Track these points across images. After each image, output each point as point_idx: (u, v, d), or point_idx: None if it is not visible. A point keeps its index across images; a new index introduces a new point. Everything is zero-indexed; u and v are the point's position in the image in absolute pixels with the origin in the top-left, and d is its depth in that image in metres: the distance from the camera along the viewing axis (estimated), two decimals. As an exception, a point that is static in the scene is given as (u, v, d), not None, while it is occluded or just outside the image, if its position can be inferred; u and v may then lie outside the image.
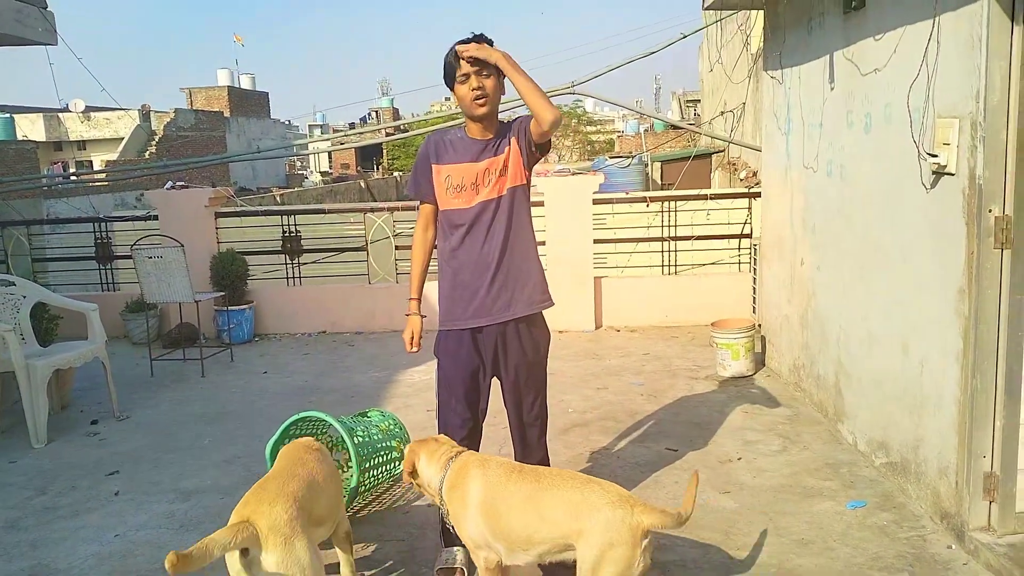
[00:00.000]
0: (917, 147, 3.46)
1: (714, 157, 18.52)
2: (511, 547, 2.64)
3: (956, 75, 3.18)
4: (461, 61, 2.94)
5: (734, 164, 14.61)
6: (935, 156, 3.27)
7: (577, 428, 4.88)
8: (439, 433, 3.17)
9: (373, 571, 3.32)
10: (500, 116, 3.17)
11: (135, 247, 6.36)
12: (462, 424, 3.19)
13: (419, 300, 3.26)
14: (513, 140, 3.06)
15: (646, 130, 30.99)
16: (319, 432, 4.11)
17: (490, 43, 2.98)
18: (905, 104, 3.57)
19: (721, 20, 6.98)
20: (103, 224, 8.19)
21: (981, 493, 3.19)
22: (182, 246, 6.27)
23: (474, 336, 3.13)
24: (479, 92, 2.95)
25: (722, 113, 12.54)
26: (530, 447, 3.32)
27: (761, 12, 5.82)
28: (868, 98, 4.03)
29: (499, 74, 2.97)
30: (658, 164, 19.77)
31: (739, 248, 7.54)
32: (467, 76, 2.94)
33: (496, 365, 3.18)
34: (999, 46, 2.96)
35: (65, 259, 8.36)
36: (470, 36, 2.98)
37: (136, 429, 5.21)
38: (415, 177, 3.20)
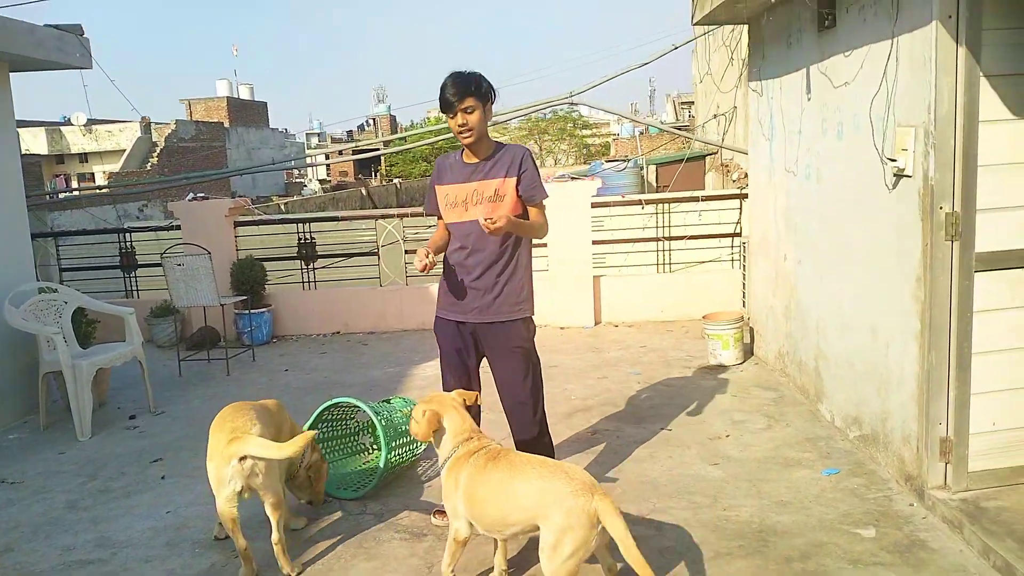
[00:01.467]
0: (879, 153, 3.90)
1: (708, 159, 18.99)
2: (487, 528, 3.06)
3: (912, 88, 3.63)
4: (448, 98, 3.40)
5: (727, 166, 15.05)
6: (894, 160, 3.72)
7: (579, 413, 5.31)
8: None
9: (400, 534, 3.74)
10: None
11: (164, 255, 6.78)
12: (448, 385, 3.70)
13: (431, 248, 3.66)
14: (511, 180, 3.51)
15: (641, 133, 31.49)
16: (348, 417, 4.54)
17: (475, 79, 3.41)
18: (870, 114, 4.01)
19: (708, 34, 7.42)
20: (127, 235, 8.60)
21: (938, 456, 3.62)
22: (209, 253, 6.70)
23: (456, 324, 3.69)
24: (463, 127, 3.44)
25: (715, 116, 12.98)
26: (522, 425, 3.72)
27: (746, 27, 6.26)
28: (840, 108, 4.47)
29: (484, 106, 3.44)
30: (653, 167, 20.28)
31: (731, 246, 7.98)
32: (454, 113, 3.41)
33: (479, 350, 3.70)
34: (946, 64, 3.40)
35: (88, 268, 8.76)
36: (455, 76, 3.41)
37: (172, 422, 5.63)
38: (428, 196, 3.78)
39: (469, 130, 3.44)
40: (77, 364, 5.33)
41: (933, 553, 3.31)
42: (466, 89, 3.39)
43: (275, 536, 3.37)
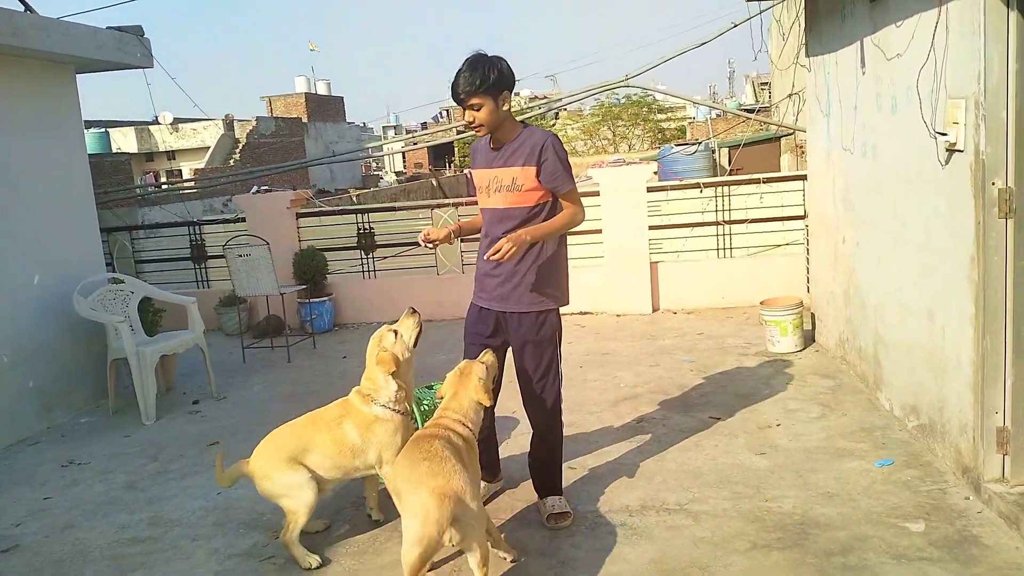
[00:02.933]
0: (929, 127, 3.69)
1: (783, 141, 18.40)
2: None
3: (961, 58, 3.41)
4: (457, 94, 3.35)
5: (801, 147, 14.58)
6: (945, 135, 3.51)
7: (627, 400, 5.23)
8: None
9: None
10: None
11: (227, 247, 7.01)
12: None
13: (453, 228, 3.67)
14: (529, 170, 3.39)
15: (716, 116, 30.75)
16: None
17: (483, 74, 3.28)
18: (918, 86, 3.80)
19: (762, 12, 7.17)
20: (197, 227, 8.93)
21: (995, 447, 3.42)
22: (268, 244, 6.89)
23: (480, 309, 3.68)
24: (471, 124, 3.42)
25: (789, 96, 12.58)
26: (536, 415, 3.66)
27: (802, 1, 6.03)
28: (893, 81, 4.25)
29: (495, 98, 3.33)
30: (726, 150, 19.77)
31: (798, 230, 7.71)
32: (463, 109, 3.38)
33: (502, 336, 3.65)
34: (997, 31, 3.19)
35: (163, 260, 9.14)
36: (464, 71, 3.32)
37: (232, 407, 5.83)
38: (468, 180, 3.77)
39: (479, 125, 3.39)
40: (141, 351, 5.56)
41: (986, 550, 3.12)
42: (471, 87, 3.28)
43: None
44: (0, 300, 5.41)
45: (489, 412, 3.59)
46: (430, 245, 3.62)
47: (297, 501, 3.43)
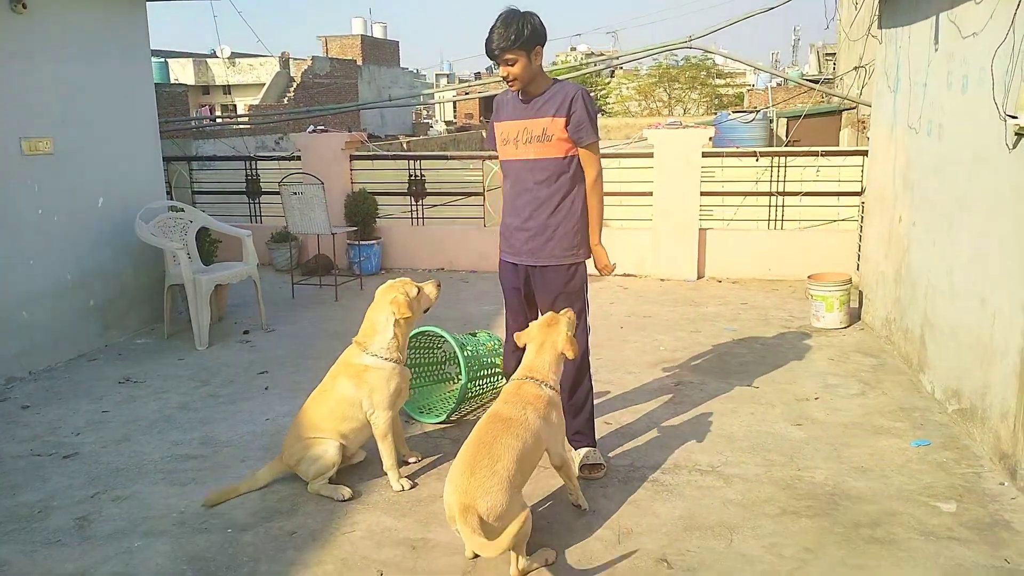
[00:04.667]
0: (999, 109, 3.61)
1: (844, 115, 17.93)
2: None
3: (1043, 39, 3.33)
4: (492, 50, 3.42)
5: (863, 122, 14.19)
6: (1015, 117, 3.44)
7: (666, 363, 5.29)
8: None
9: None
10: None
11: (282, 183, 7.15)
12: (510, 328, 3.81)
13: None
14: (559, 120, 3.47)
15: (779, 85, 30.00)
16: (436, 347, 4.72)
17: (516, 29, 3.36)
18: (992, 65, 3.71)
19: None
20: (253, 163, 9.09)
21: (1035, 435, 3.41)
22: (322, 184, 7.01)
23: (512, 266, 3.76)
24: (507, 78, 3.49)
25: (855, 68, 12.24)
26: (568, 362, 3.66)
27: (880, -31, 5.86)
28: (966, 60, 4.15)
29: (528, 53, 3.41)
30: (784, 120, 19.35)
31: (852, 206, 7.59)
32: (498, 64, 3.45)
33: (531, 289, 3.74)
34: (1084, 12, 3.10)
35: (218, 192, 9.34)
36: (498, 26, 3.39)
37: (280, 339, 6.02)
38: (488, 133, 3.83)
39: (514, 79, 3.47)
40: (197, 279, 5.75)
41: (1016, 534, 3.14)
42: (506, 42, 3.37)
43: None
44: (66, 221, 5.62)
45: None
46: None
47: (321, 464, 3.55)
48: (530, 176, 3.57)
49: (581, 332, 3.68)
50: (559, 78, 3.66)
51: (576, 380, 3.73)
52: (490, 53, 3.45)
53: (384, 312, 3.64)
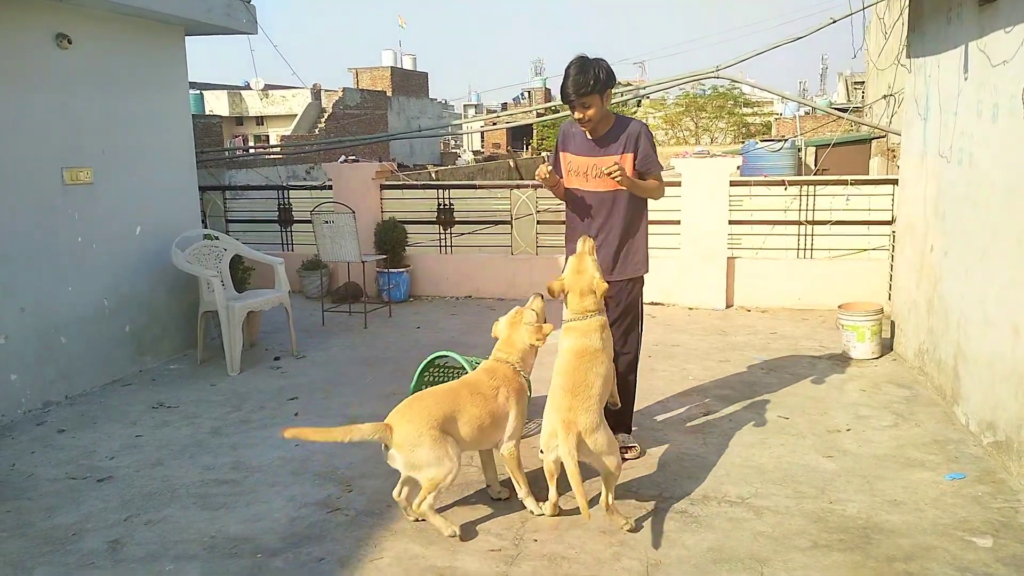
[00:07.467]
0: (1032, 137, 3.59)
1: (874, 143, 17.81)
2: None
3: (1075, 69, 3.31)
4: (569, 94, 3.76)
5: (893, 151, 14.09)
6: (1049, 146, 3.41)
7: (695, 392, 5.26)
8: None
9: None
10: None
11: (314, 212, 7.26)
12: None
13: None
14: (628, 156, 3.92)
15: (805, 113, 29.91)
16: (453, 375, 4.74)
17: (592, 75, 3.71)
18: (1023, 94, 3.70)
19: (865, 8, 6.98)
20: (285, 192, 9.25)
21: (1074, 469, 3.34)
22: (353, 213, 7.11)
23: None
24: (582, 120, 3.86)
25: (884, 97, 12.19)
26: (620, 358, 4.06)
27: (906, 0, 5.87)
28: (997, 88, 4.13)
29: (602, 96, 3.74)
30: (812, 149, 19.26)
31: (883, 235, 7.53)
32: (574, 108, 3.78)
33: None
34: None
35: (251, 221, 9.49)
36: (575, 71, 3.75)
37: (311, 366, 6.08)
38: (553, 156, 4.18)
39: (588, 121, 3.84)
40: (231, 305, 5.85)
41: (1056, 571, 3.08)
42: (583, 87, 3.71)
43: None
44: (104, 249, 5.75)
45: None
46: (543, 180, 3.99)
47: (445, 470, 3.27)
48: (602, 207, 4.01)
49: (636, 337, 4.20)
50: (618, 113, 4.00)
51: (627, 372, 4.18)
52: (566, 98, 3.78)
53: (520, 340, 3.70)
